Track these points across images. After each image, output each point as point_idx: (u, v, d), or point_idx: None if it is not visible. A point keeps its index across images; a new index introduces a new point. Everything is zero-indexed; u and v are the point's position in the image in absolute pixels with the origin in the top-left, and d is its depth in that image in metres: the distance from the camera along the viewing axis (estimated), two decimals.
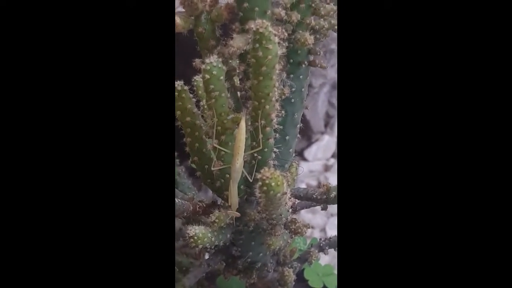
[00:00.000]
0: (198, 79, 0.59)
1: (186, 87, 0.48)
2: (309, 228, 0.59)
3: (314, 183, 1.33)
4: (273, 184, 0.40)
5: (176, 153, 0.77)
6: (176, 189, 0.60)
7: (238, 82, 0.53)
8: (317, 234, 1.20)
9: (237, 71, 0.51)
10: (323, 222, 1.23)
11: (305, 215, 1.24)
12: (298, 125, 0.57)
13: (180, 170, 0.75)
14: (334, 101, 1.43)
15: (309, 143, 1.44)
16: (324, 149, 1.43)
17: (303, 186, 0.99)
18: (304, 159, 1.40)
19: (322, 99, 1.40)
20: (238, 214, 0.51)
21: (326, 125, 1.47)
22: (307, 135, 1.42)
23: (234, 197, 0.50)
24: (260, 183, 0.40)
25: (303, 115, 0.58)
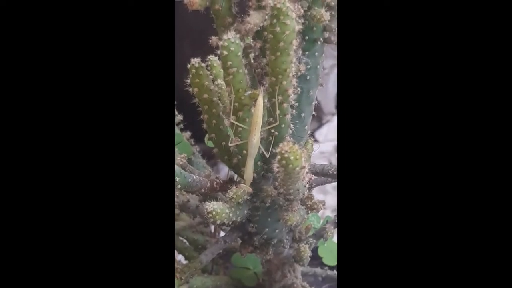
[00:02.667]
0: (212, 58, 0.59)
1: (203, 64, 0.49)
2: (324, 205, 0.59)
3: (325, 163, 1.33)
4: (291, 158, 0.40)
5: (190, 133, 0.78)
6: (192, 167, 0.60)
7: (253, 59, 0.53)
8: (329, 214, 1.21)
9: (253, 48, 0.51)
10: (335, 203, 1.24)
11: (316, 196, 1.24)
12: (314, 102, 0.57)
13: (195, 150, 0.76)
14: None
15: (320, 124, 1.44)
16: (335, 130, 1.43)
17: None
18: (315, 140, 1.40)
19: (332, 80, 1.40)
20: (250, 189, 0.51)
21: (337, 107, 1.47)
22: (318, 116, 1.43)
23: (249, 172, 0.50)
24: (279, 157, 0.41)
25: None
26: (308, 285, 0.74)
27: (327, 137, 1.43)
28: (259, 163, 0.53)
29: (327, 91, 1.39)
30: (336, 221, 0.67)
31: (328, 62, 1.34)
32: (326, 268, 0.84)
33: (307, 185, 0.52)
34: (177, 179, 0.48)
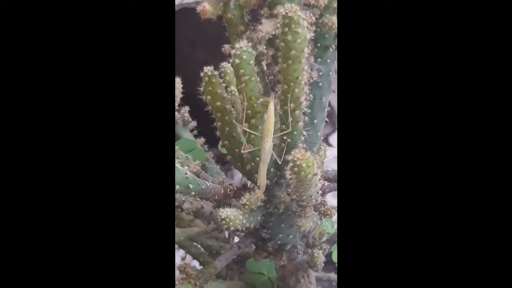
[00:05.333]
0: (225, 65, 0.60)
1: (216, 72, 0.49)
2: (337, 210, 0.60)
3: None
4: (304, 165, 0.41)
5: (204, 139, 0.78)
6: (206, 173, 0.61)
7: (266, 67, 0.53)
8: None
9: (265, 56, 0.51)
10: None
11: (330, 200, 1.24)
12: (326, 109, 0.57)
13: (208, 156, 0.76)
14: None
15: (334, 129, 1.44)
16: None
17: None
18: (329, 145, 1.40)
19: None
20: (263, 196, 0.52)
21: None
22: (332, 121, 1.42)
23: (263, 178, 0.51)
24: (291, 164, 0.41)
25: None
26: None
27: None
28: (272, 169, 0.53)
29: None
30: None
31: None
32: None
33: (320, 192, 0.52)
34: (190, 186, 0.49)
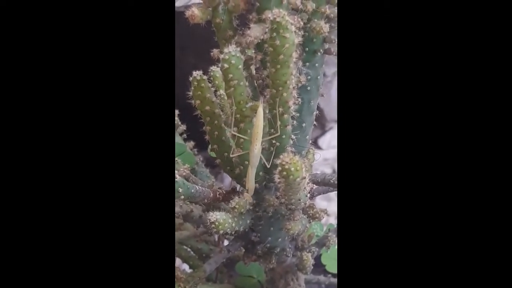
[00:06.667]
0: (214, 69, 0.60)
1: (205, 77, 0.49)
2: (326, 213, 0.60)
3: (328, 170, 1.34)
4: (292, 169, 0.41)
5: (194, 143, 0.78)
6: (195, 177, 0.61)
7: (255, 71, 0.54)
8: (332, 221, 1.22)
9: (254, 60, 0.52)
10: None
11: (320, 203, 1.25)
12: (314, 113, 0.58)
13: (198, 159, 0.76)
14: None
15: (323, 131, 1.45)
16: None
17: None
18: (319, 147, 1.41)
19: (335, 87, 1.41)
20: (251, 199, 0.52)
21: None
22: (321, 123, 1.43)
23: (251, 182, 0.51)
24: (279, 168, 0.41)
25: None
26: None
27: (331, 144, 1.43)
28: (261, 173, 0.53)
29: (330, 98, 1.40)
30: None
31: (331, 69, 1.35)
32: (330, 275, 0.85)
33: (308, 195, 0.52)
34: (180, 190, 0.49)
